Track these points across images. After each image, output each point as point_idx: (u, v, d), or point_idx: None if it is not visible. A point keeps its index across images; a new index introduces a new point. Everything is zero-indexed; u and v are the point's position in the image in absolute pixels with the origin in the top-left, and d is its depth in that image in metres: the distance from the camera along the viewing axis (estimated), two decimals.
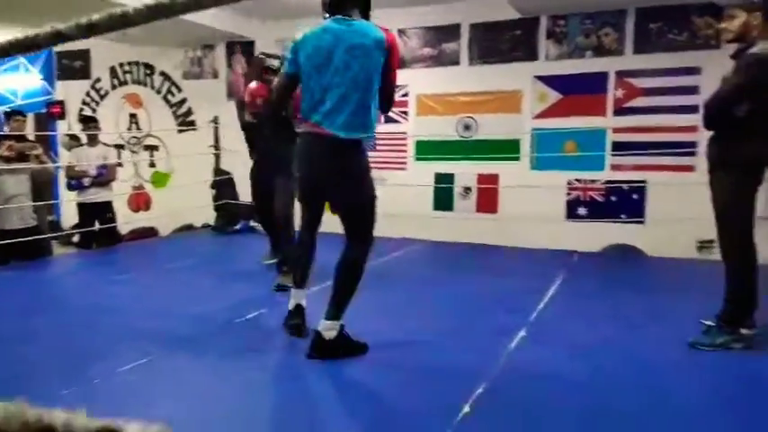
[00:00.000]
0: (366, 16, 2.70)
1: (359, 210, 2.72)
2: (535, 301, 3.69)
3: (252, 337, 3.06)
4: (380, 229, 5.87)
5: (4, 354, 2.81)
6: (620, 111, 5.49)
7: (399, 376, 2.60)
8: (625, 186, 5.56)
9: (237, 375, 2.60)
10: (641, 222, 5.50)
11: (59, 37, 0.55)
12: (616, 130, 5.51)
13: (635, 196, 5.54)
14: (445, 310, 3.64)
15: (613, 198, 5.62)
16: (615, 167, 5.59)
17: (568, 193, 5.75)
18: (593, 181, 5.66)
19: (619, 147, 5.53)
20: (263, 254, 4.67)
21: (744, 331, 2.81)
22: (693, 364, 2.73)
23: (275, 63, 4.06)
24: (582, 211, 5.74)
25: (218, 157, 7.04)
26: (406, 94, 6.29)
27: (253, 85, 4.17)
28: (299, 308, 2.95)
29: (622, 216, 5.57)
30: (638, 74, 5.39)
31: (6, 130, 5.22)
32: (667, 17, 5.23)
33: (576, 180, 5.72)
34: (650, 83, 5.36)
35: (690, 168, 5.16)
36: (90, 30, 0.54)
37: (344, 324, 2.73)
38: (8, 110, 6.18)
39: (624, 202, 5.57)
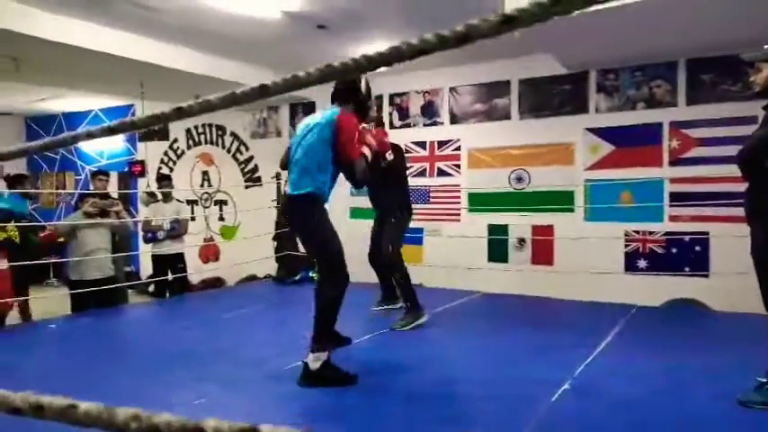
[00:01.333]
0: (361, 107, 3.32)
1: (315, 253, 3.33)
2: (585, 354, 3.62)
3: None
4: (436, 281, 5.93)
5: (74, 391, 3.06)
6: (676, 161, 5.42)
7: (437, 426, 2.64)
8: (686, 238, 5.40)
9: (281, 418, 2.72)
10: (705, 276, 5.30)
11: (181, 113, 0.73)
12: (674, 181, 5.42)
13: (698, 248, 5.37)
14: (492, 360, 3.65)
15: (674, 250, 5.47)
16: (674, 218, 5.46)
17: (627, 245, 5.65)
18: (651, 232, 5.54)
19: (677, 197, 5.42)
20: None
21: None
22: (741, 422, 2.62)
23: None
24: (642, 263, 5.60)
25: (279, 210, 7.39)
26: (458, 149, 6.46)
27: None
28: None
29: (685, 269, 5.39)
30: (692, 124, 5.34)
31: (91, 188, 5.75)
32: (719, 68, 5.20)
33: (635, 231, 5.62)
34: (706, 133, 5.28)
35: None
36: (209, 107, 0.70)
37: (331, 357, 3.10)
38: (94, 169, 6.79)
39: (686, 255, 5.40)
